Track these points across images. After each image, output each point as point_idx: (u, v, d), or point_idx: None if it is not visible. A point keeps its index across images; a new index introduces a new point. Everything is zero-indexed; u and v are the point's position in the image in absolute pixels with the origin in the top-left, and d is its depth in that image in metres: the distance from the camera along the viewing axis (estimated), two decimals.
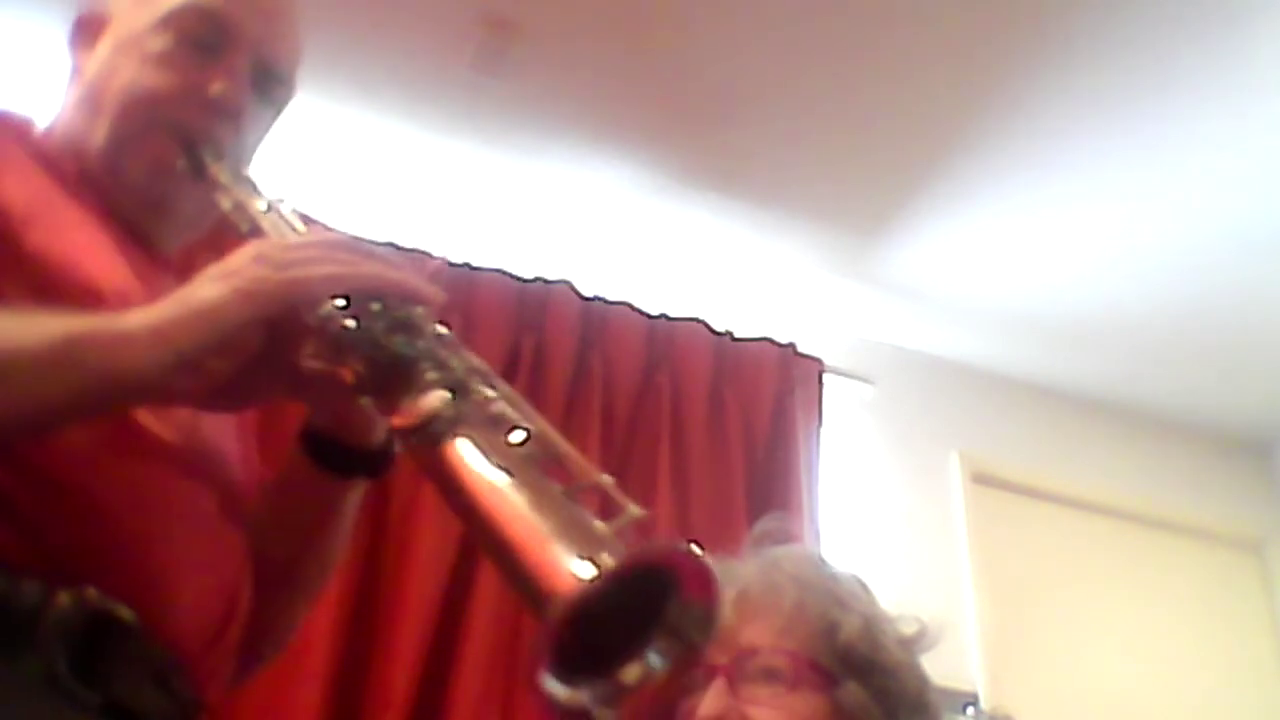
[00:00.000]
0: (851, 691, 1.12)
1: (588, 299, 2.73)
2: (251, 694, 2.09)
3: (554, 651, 0.67)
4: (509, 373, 2.55)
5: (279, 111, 1.14)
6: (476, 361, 0.84)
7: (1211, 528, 3.43)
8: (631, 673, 0.72)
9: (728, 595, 1.18)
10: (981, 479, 3.20)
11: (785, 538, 1.32)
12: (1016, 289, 3.12)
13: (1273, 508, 3.53)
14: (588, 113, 2.67)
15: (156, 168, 1.02)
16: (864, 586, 1.25)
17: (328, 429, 0.98)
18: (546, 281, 2.71)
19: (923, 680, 1.18)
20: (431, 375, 0.80)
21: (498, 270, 2.68)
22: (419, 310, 0.85)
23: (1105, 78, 2.49)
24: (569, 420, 2.55)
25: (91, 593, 0.82)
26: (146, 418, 0.89)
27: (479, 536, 0.75)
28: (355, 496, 1.03)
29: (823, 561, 1.29)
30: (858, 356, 3.11)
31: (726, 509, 2.56)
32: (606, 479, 0.74)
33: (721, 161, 2.78)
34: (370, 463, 1.00)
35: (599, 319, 2.72)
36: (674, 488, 2.56)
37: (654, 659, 0.72)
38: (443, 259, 2.56)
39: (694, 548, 0.72)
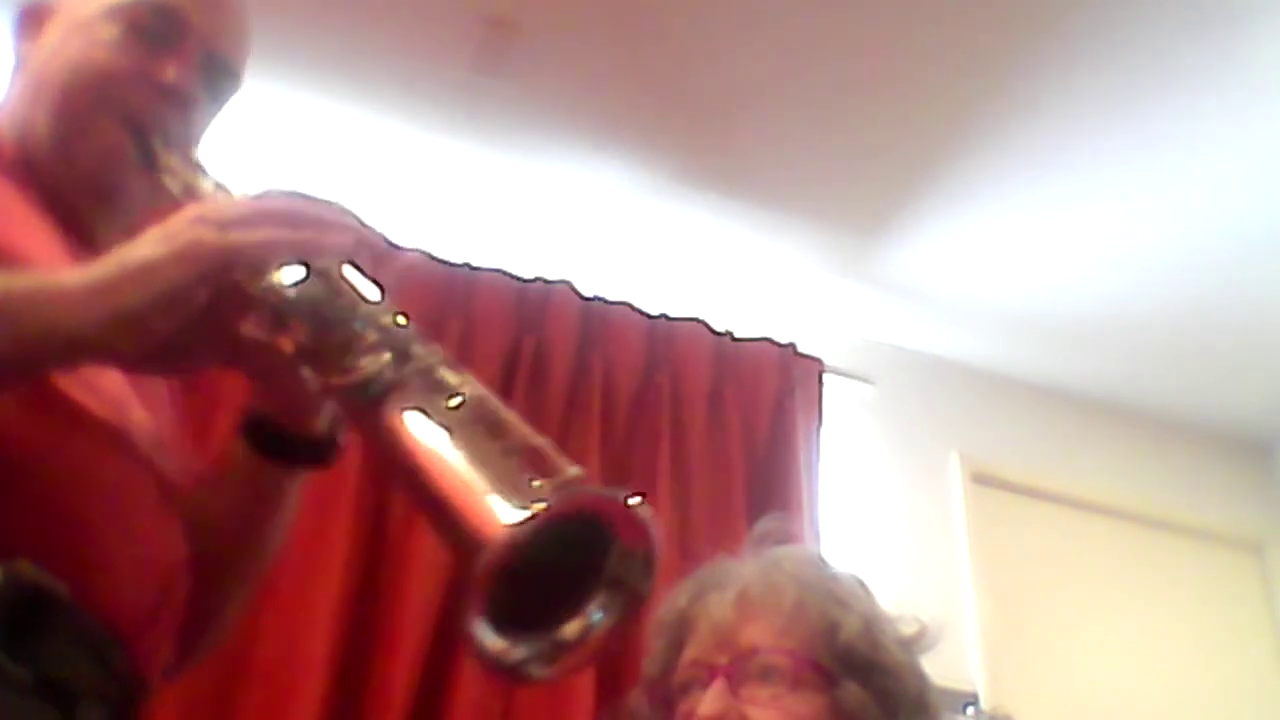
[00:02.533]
0: (851, 691, 1.12)
1: (588, 299, 2.73)
2: (251, 693, 2.09)
3: (486, 602, 0.66)
4: (509, 373, 2.55)
5: (223, 105, 1.12)
6: (415, 328, 0.84)
7: (1211, 528, 3.43)
8: (572, 629, 0.72)
9: (728, 595, 1.18)
10: (981, 479, 3.20)
11: (785, 538, 1.32)
12: (1016, 289, 3.12)
13: (1273, 508, 3.53)
14: (588, 113, 2.67)
15: (107, 157, 1.00)
16: (864, 586, 1.25)
17: (271, 415, 0.97)
18: (546, 281, 2.71)
19: (923, 680, 1.18)
20: (372, 338, 0.80)
21: (498, 270, 2.68)
22: (357, 278, 0.85)
23: (1106, 77, 2.50)
24: (569, 420, 2.55)
25: (24, 565, 0.80)
26: (83, 396, 0.88)
27: (414, 494, 0.75)
28: (297, 487, 1.02)
29: (823, 561, 1.29)
30: (858, 356, 3.11)
31: (726, 509, 2.56)
32: (543, 440, 0.74)
33: (721, 161, 2.78)
34: (313, 451, 0.98)
35: (599, 319, 2.72)
36: (674, 488, 2.56)
37: (595, 614, 0.73)
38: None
39: (628, 496, 0.71)
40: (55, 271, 0.83)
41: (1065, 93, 2.54)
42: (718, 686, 1.12)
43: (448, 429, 0.75)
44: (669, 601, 1.24)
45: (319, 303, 0.82)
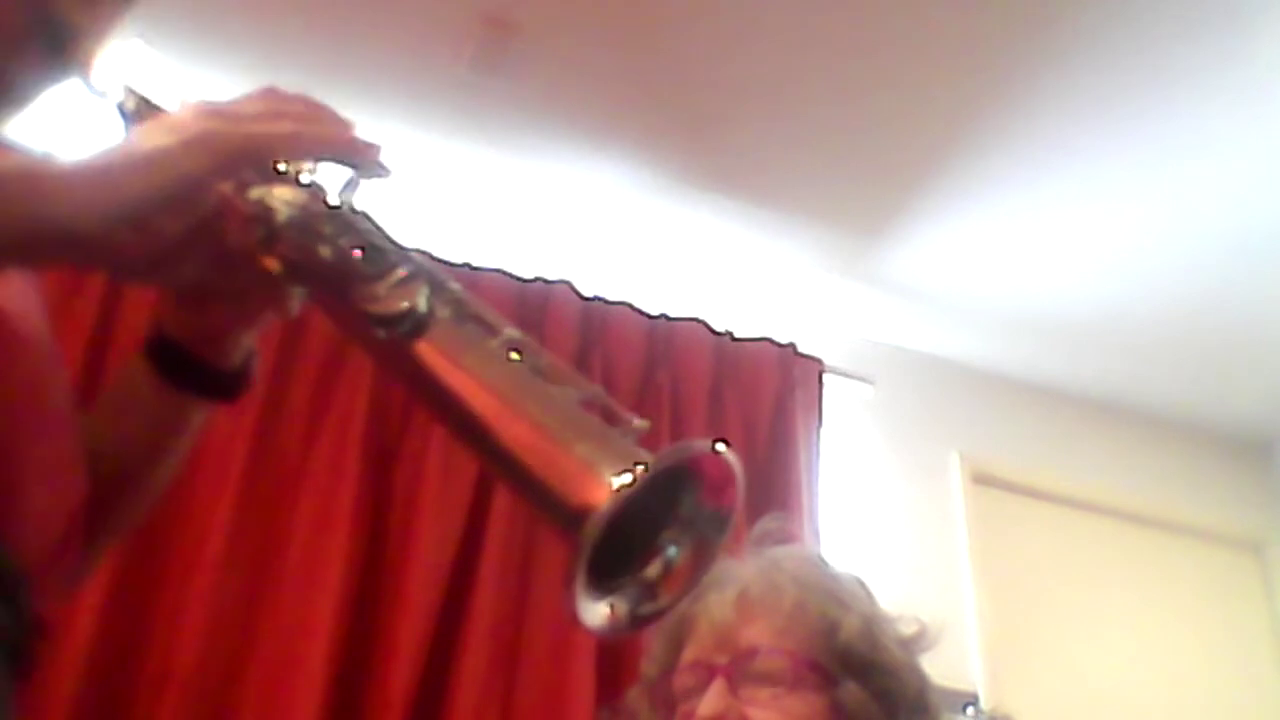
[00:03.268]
0: (851, 692, 1.12)
1: (588, 299, 2.73)
2: (252, 692, 2.09)
3: (588, 569, 0.60)
4: None
5: (129, 10, 1.00)
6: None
7: (1211, 528, 3.43)
8: (653, 569, 0.67)
9: (728, 595, 1.18)
10: (981, 479, 3.20)
11: (785, 538, 1.31)
12: (1016, 289, 3.12)
13: (1273, 508, 3.53)
14: (588, 113, 2.67)
15: (11, 44, 0.88)
16: (864, 586, 1.24)
17: (184, 340, 0.88)
18: (546, 281, 2.71)
19: (923, 680, 1.18)
20: (405, 268, 0.73)
21: (498, 270, 2.68)
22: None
23: (1106, 78, 2.50)
24: None
25: None
26: (5, 303, 0.79)
27: (478, 443, 0.67)
28: (201, 419, 0.93)
29: (823, 561, 1.29)
30: (858, 356, 3.12)
31: None
32: (599, 389, 0.69)
33: (721, 161, 2.78)
34: (225, 384, 0.90)
35: (599, 319, 2.72)
36: None
37: (670, 549, 0.67)
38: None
39: (719, 447, 0.66)
40: (41, 156, 0.74)
41: (1065, 93, 2.54)
42: (717, 686, 1.12)
43: (507, 371, 0.68)
44: None
45: (348, 218, 0.75)
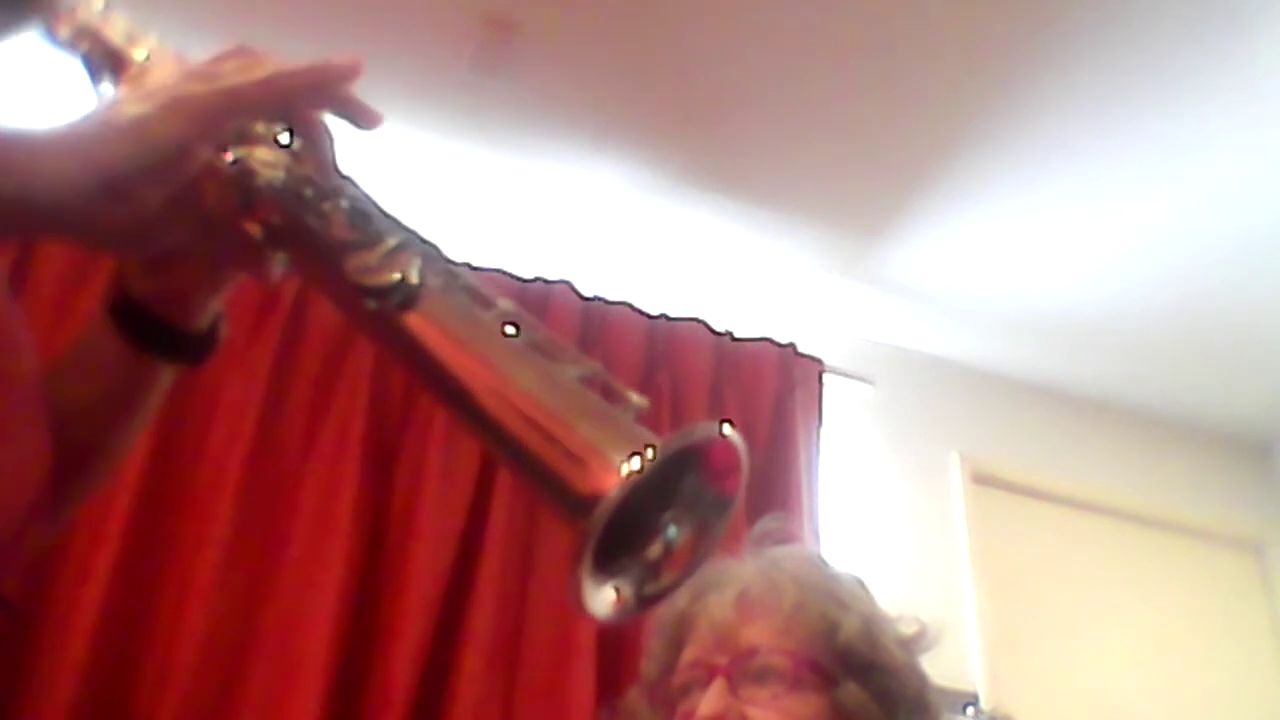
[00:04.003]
0: (851, 691, 1.12)
1: (588, 299, 2.73)
2: (251, 693, 2.09)
3: (593, 555, 0.58)
4: None
5: None
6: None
7: (1211, 528, 3.43)
8: (655, 550, 0.65)
9: (727, 595, 1.18)
10: (981, 479, 3.20)
11: (785, 538, 1.32)
12: (1016, 289, 3.12)
13: (1273, 508, 3.53)
14: (588, 113, 2.67)
15: None
16: (864, 586, 1.25)
17: (151, 301, 0.84)
18: (546, 281, 2.71)
19: (923, 680, 1.18)
20: (395, 237, 0.71)
21: (498, 270, 2.68)
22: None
23: (1106, 78, 2.50)
24: None
25: None
26: None
27: (475, 420, 0.64)
28: (167, 382, 0.88)
29: (823, 561, 1.29)
30: (858, 356, 3.12)
31: None
32: (598, 365, 0.66)
33: (721, 161, 2.78)
34: (191, 347, 0.87)
35: (599, 319, 2.72)
36: None
37: (670, 529, 0.65)
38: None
39: (726, 430, 0.65)
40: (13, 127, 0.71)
41: (1065, 93, 2.54)
42: (717, 686, 1.12)
43: (504, 345, 0.66)
44: (668, 602, 1.24)
45: (335, 182, 0.74)
